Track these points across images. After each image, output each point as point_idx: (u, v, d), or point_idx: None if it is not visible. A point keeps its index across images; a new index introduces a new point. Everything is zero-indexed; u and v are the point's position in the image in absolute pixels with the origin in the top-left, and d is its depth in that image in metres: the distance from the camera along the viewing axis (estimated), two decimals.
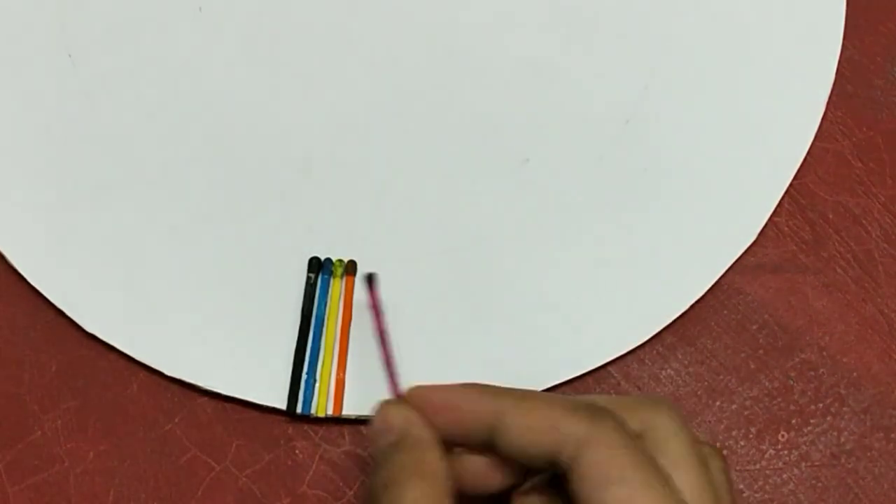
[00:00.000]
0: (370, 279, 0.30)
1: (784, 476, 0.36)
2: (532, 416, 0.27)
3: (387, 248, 0.37)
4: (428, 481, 0.27)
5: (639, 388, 0.37)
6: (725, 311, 0.38)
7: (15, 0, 0.40)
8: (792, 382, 0.37)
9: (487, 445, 0.28)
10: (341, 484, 0.35)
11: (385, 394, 0.31)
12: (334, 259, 0.37)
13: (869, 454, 0.36)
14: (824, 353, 0.37)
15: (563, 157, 0.39)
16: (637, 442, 0.27)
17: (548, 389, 0.36)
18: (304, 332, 0.36)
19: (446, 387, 0.29)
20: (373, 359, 0.36)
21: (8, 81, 0.39)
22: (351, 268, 0.37)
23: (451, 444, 0.29)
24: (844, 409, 0.37)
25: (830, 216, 0.39)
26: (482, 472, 0.29)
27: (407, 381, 0.30)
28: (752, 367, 0.37)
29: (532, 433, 0.27)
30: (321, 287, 0.37)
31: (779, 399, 0.37)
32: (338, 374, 0.36)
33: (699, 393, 0.37)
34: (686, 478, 0.27)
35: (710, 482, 0.27)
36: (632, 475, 0.26)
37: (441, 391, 0.29)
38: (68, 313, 0.37)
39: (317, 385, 0.36)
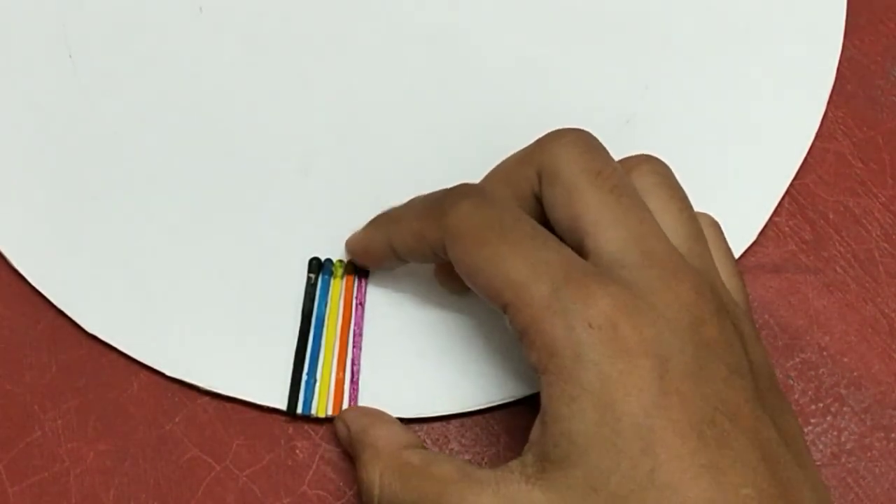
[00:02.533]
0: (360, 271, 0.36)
1: None
2: (405, 237, 0.33)
3: None
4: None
5: None
6: None
7: (15, 0, 0.40)
8: (792, 382, 0.37)
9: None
10: (341, 484, 0.35)
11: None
12: (335, 259, 0.37)
13: (869, 454, 0.36)
14: (824, 353, 0.37)
15: None
16: (494, 212, 0.30)
17: None
18: (304, 332, 0.36)
19: (360, 235, 0.36)
20: (371, 359, 0.36)
21: (8, 81, 0.39)
22: (351, 268, 0.37)
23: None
24: (845, 409, 0.37)
25: (831, 216, 0.39)
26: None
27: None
28: None
29: (413, 248, 0.33)
30: (321, 287, 0.37)
31: None
32: (338, 374, 0.36)
33: None
34: (577, 196, 0.30)
35: (612, 191, 0.30)
36: (479, 251, 0.29)
37: (356, 240, 0.36)
38: (68, 313, 0.37)
39: (317, 385, 0.36)
